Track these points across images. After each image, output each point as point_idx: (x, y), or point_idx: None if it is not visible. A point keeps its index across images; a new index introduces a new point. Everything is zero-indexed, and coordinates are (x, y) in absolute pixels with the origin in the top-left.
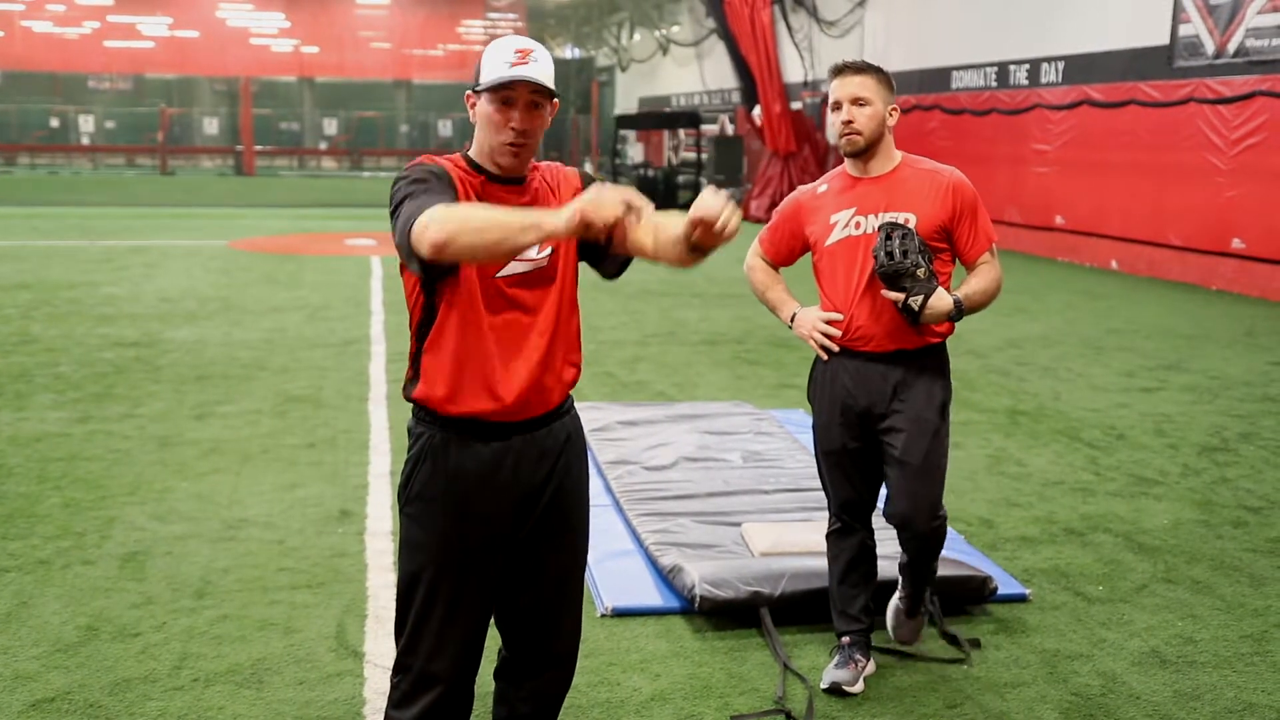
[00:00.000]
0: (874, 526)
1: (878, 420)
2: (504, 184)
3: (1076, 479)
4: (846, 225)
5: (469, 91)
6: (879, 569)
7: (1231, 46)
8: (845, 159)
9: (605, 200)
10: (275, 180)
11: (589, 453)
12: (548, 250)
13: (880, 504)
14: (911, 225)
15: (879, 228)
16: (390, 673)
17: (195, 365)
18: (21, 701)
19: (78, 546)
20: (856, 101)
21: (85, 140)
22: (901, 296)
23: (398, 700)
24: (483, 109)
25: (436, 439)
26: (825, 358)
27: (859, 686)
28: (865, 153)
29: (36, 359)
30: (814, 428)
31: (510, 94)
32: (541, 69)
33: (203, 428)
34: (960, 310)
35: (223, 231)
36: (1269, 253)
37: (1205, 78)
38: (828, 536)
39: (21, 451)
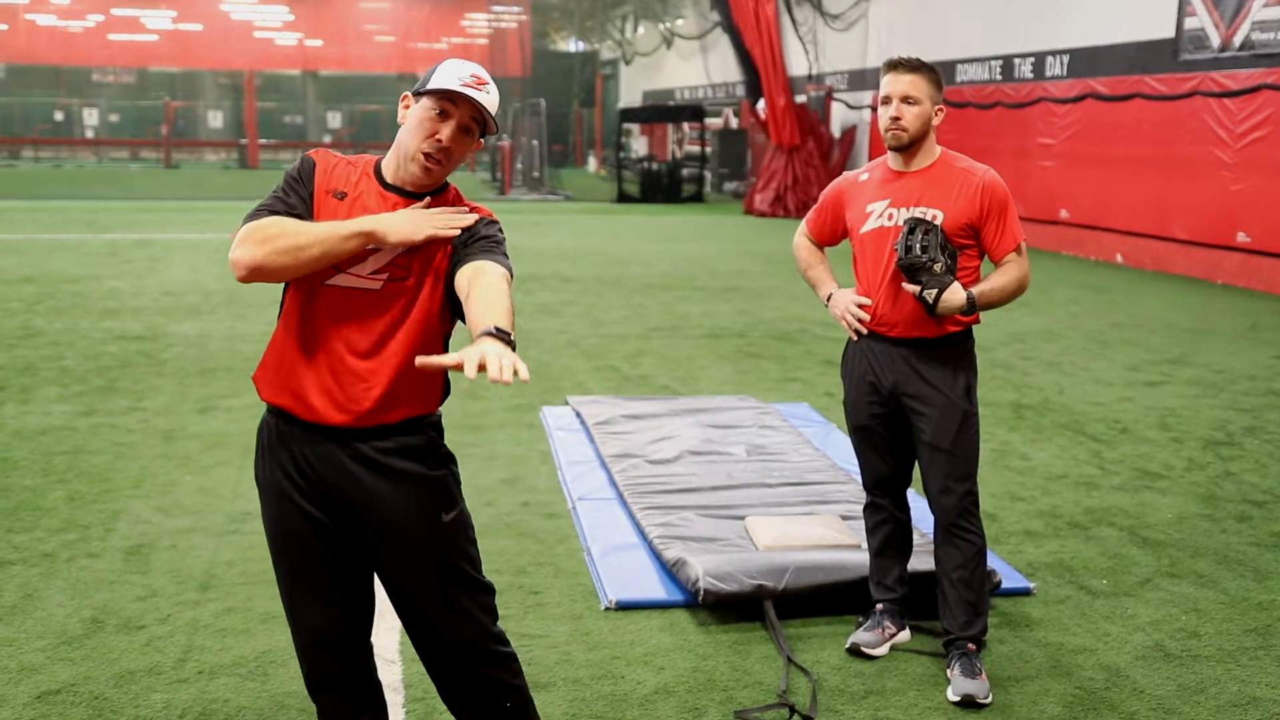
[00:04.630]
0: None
1: (906, 399)
2: (405, 197)
3: (1080, 473)
4: (880, 216)
5: (407, 92)
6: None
7: (1237, 40)
8: (888, 151)
9: (401, 227)
10: (279, 174)
11: (593, 446)
12: (385, 276)
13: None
14: (938, 222)
15: (904, 222)
16: None
17: (199, 359)
18: (27, 693)
19: (82, 539)
20: (906, 99)
21: (89, 134)
22: (917, 289)
23: None
24: (416, 112)
25: (265, 425)
26: (855, 338)
27: (882, 650)
28: (908, 148)
29: (41, 352)
30: (844, 404)
31: (450, 106)
32: (490, 100)
33: (207, 421)
34: (974, 305)
35: (226, 225)
36: (1274, 246)
37: (1210, 71)
38: (864, 509)
39: (26, 445)
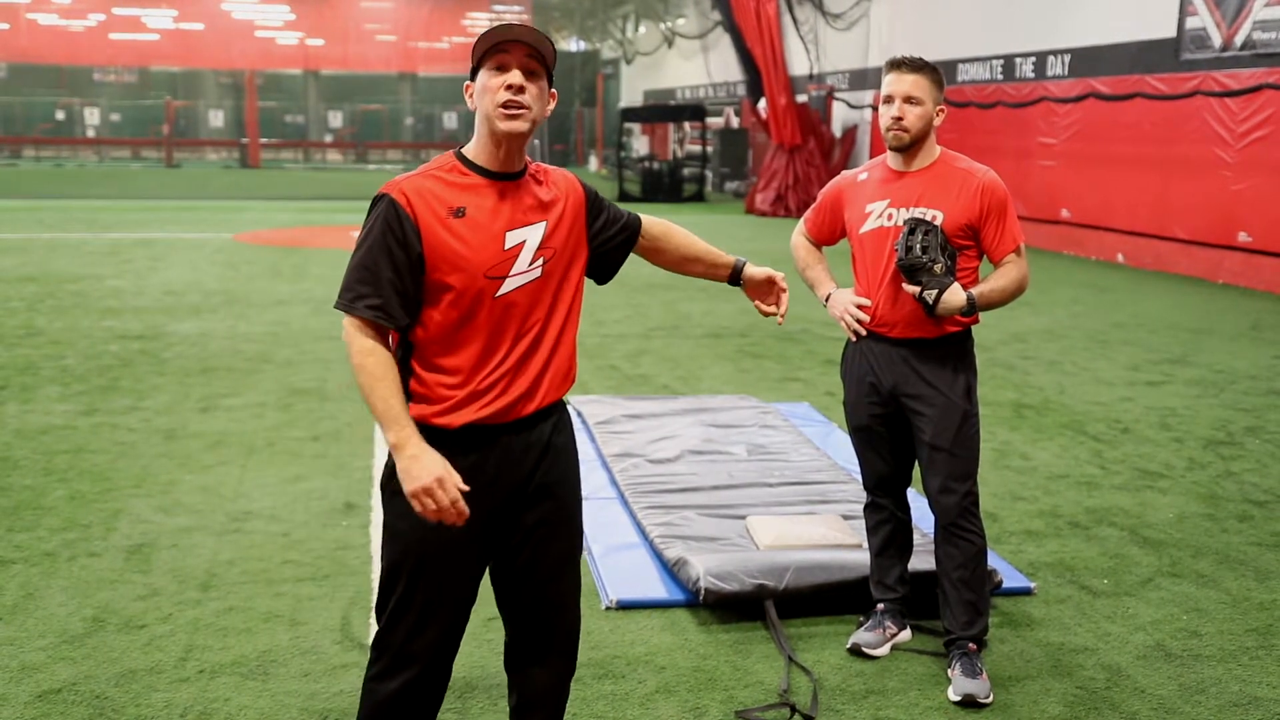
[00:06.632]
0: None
1: (906, 399)
2: (501, 179)
3: (1081, 472)
4: (879, 216)
5: (468, 82)
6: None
7: (1238, 39)
8: (888, 151)
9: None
10: (280, 173)
11: (594, 445)
12: (540, 261)
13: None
14: (938, 222)
15: (904, 222)
16: (371, 644)
17: (200, 358)
18: (28, 692)
19: (84, 539)
20: (909, 99)
21: (91, 133)
22: (917, 290)
23: (377, 674)
24: (480, 82)
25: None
26: (854, 339)
27: (883, 650)
28: (909, 148)
29: (42, 351)
30: (844, 404)
31: (505, 57)
32: (536, 36)
33: (208, 420)
34: (973, 306)
35: (227, 224)
36: (1275, 246)
37: (1212, 70)
38: (864, 509)
39: (28, 444)
